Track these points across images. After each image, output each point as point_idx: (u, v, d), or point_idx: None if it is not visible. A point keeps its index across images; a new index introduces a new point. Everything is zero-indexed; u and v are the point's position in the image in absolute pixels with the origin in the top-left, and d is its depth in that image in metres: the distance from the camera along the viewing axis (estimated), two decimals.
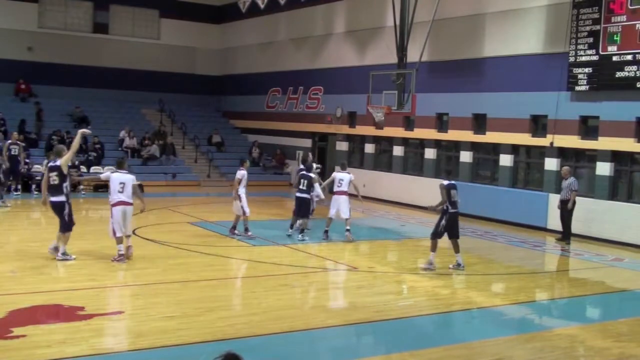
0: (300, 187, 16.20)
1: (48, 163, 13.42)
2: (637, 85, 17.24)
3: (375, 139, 26.17)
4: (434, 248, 13.38)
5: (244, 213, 15.80)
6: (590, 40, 18.25)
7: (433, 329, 9.75)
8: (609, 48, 17.86)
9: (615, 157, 18.15)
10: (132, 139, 28.73)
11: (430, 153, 23.75)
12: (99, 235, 14.21)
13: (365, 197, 18.26)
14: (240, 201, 15.83)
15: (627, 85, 17.48)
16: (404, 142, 24.91)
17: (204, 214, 19.79)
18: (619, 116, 17.83)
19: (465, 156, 22.39)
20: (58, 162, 12.54)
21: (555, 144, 19.38)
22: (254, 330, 8.89)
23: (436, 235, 13.47)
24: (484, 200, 21.11)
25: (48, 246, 12.65)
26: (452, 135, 22.81)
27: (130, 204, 12.74)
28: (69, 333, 8.36)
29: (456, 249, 13.53)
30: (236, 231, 16.09)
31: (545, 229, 19.06)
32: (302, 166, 17.44)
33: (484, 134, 21.67)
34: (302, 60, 29.95)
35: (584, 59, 18.44)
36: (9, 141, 22.40)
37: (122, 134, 28.86)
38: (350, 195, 16.52)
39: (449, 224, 13.37)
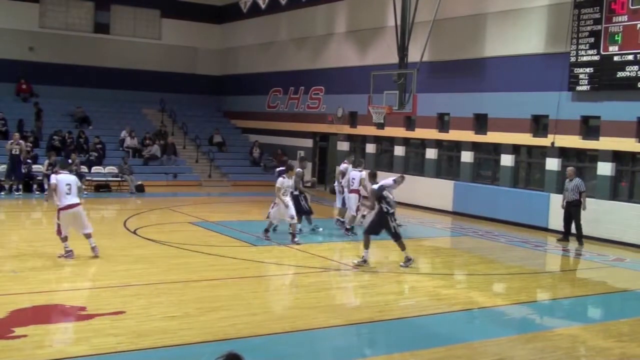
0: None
1: (49, 164, 13.43)
2: (638, 85, 17.22)
3: (377, 139, 26.17)
4: (403, 247, 13.37)
5: (292, 217, 15.40)
6: (592, 40, 18.24)
7: (434, 329, 9.74)
8: (610, 48, 17.85)
9: (617, 157, 18.15)
10: (133, 139, 28.75)
11: (431, 153, 23.75)
12: (99, 236, 14.19)
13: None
14: (287, 207, 15.35)
15: (628, 85, 17.48)
16: (405, 142, 24.90)
17: (205, 214, 19.80)
18: (620, 116, 17.83)
19: (467, 156, 22.39)
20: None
21: (557, 144, 19.37)
22: (255, 330, 8.89)
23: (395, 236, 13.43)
24: (485, 201, 21.13)
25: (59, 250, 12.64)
26: (453, 135, 22.80)
27: (79, 204, 12.72)
28: (70, 333, 8.37)
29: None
30: (268, 234, 15.94)
31: (546, 229, 19.05)
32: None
33: (485, 134, 21.66)
34: (303, 60, 29.95)
35: (585, 59, 18.44)
36: (10, 141, 22.47)
37: (123, 134, 28.89)
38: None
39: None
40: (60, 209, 12.52)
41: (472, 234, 18.58)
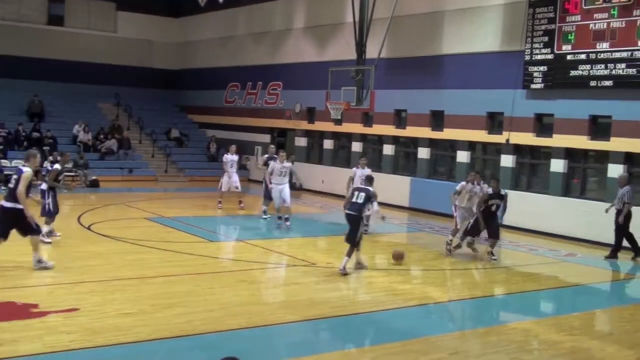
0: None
1: None
2: (590, 83, 17.60)
3: (334, 135, 26.22)
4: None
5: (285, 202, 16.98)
6: (546, 39, 18.56)
7: (391, 324, 9.81)
8: (564, 47, 18.19)
9: (569, 154, 18.51)
10: (87, 133, 28.24)
11: (388, 149, 23.89)
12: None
13: (324, 193, 18.35)
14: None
15: (581, 84, 17.84)
16: (363, 138, 25.00)
17: (161, 210, 19.60)
18: (572, 114, 18.18)
19: (423, 152, 22.59)
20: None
21: (511, 141, 19.66)
22: (211, 327, 8.84)
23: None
24: (441, 197, 21.17)
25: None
26: (410, 131, 22.97)
27: None
28: (22, 331, 8.20)
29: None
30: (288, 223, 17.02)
31: (500, 225, 19.27)
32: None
33: (442, 130, 21.88)
34: (261, 55, 29.82)
35: (539, 57, 18.74)
36: None
37: (76, 128, 28.30)
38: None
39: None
40: None
41: (429, 230, 18.75)
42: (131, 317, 9.01)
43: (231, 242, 15.14)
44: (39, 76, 30.90)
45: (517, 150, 19.80)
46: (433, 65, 21.96)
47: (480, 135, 20.71)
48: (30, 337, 7.99)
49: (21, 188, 11.03)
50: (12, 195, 11.16)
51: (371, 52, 22.15)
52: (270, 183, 17.51)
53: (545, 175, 19.11)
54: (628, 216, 15.26)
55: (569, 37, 18.06)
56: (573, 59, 17.98)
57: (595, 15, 17.47)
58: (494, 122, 20.50)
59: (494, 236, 14.68)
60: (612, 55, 17.09)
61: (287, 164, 17.58)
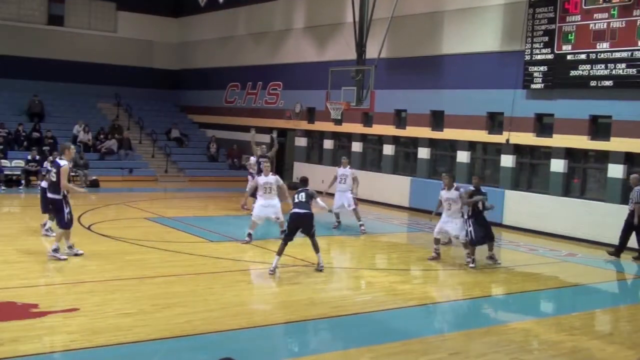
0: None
1: None
2: (590, 83, 17.60)
3: (334, 135, 26.22)
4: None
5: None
6: (546, 39, 18.55)
7: (391, 324, 9.80)
8: (564, 47, 18.18)
9: (569, 154, 18.50)
10: (87, 133, 28.22)
11: (388, 149, 23.88)
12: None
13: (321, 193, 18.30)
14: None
15: (581, 84, 17.84)
16: (363, 138, 24.99)
17: (161, 210, 19.60)
18: (572, 114, 18.18)
19: (423, 152, 22.59)
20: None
21: (511, 141, 19.65)
22: (211, 327, 8.84)
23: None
24: None
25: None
26: (410, 131, 22.97)
27: None
28: (22, 331, 8.19)
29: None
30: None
31: (500, 225, 19.29)
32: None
33: (442, 130, 21.87)
34: (261, 55, 29.82)
35: (539, 57, 18.74)
36: None
37: (76, 128, 28.28)
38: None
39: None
40: None
41: (429, 230, 18.71)
42: (131, 317, 9.01)
43: (231, 242, 15.13)
44: (39, 76, 30.93)
45: (517, 150, 19.79)
46: (433, 65, 21.96)
47: (480, 135, 20.70)
48: (30, 337, 7.99)
49: (64, 182, 12.12)
50: (54, 187, 12.20)
51: (371, 52, 22.15)
52: (253, 178, 17.76)
53: (546, 175, 19.10)
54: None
55: (569, 37, 18.06)
56: (573, 59, 17.97)
57: (596, 15, 17.46)
58: (494, 122, 20.49)
59: (488, 238, 14.28)
60: (612, 55, 17.09)
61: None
